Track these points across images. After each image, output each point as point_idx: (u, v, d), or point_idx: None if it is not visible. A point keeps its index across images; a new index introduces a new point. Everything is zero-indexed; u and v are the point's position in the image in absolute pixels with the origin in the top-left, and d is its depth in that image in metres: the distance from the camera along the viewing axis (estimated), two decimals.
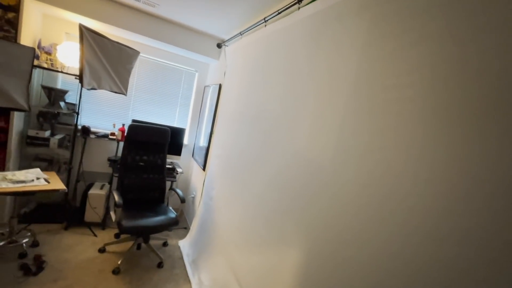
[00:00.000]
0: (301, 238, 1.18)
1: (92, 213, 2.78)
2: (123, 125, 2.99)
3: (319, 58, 1.29)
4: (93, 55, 2.32)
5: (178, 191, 2.64)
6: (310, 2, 1.38)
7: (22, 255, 2.10)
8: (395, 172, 0.83)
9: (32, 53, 2.08)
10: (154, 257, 2.46)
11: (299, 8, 1.47)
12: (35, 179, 2.10)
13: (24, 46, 2.10)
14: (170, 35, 2.83)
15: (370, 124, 0.94)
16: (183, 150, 3.41)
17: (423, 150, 0.76)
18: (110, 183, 2.91)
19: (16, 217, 2.21)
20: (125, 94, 2.76)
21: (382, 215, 0.84)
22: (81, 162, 2.80)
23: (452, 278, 0.64)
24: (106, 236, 2.70)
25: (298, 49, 1.48)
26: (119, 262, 2.22)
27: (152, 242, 2.61)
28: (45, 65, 2.52)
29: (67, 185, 2.46)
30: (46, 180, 2.13)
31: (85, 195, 2.83)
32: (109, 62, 2.46)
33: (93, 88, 2.41)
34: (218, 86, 2.87)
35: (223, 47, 2.84)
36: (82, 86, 2.26)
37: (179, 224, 2.88)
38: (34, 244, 2.27)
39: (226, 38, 2.83)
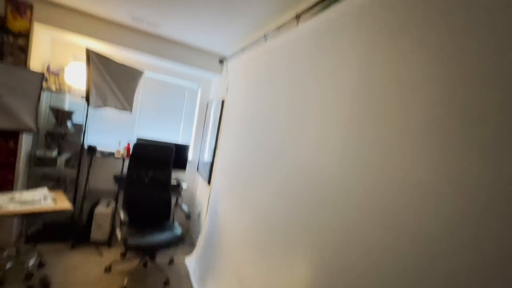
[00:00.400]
0: (309, 249, 1.17)
1: (98, 232, 2.78)
2: (129, 143, 3.03)
3: (320, 71, 1.31)
4: (99, 76, 2.39)
5: (184, 207, 2.64)
6: (308, 19, 1.42)
7: (29, 277, 2.08)
8: (398, 180, 0.82)
9: (41, 78, 2.16)
10: (161, 275, 2.43)
11: (297, 24, 1.51)
12: (42, 199, 2.12)
13: (33, 71, 2.18)
14: (173, 53, 2.91)
15: (372, 134, 0.95)
16: (188, 165, 3.42)
17: (426, 157, 0.76)
18: (116, 200, 2.92)
19: (23, 237, 2.21)
20: (130, 111, 2.82)
21: (387, 220, 0.84)
22: (87, 180, 2.83)
23: (458, 281, 0.62)
24: (112, 254, 2.68)
25: (299, 62, 1.51)
26: (125, 282, 2.19)
27: (159, 259, 2.58)
28: (53, 88, 2.60)
29: (73, 203, 2.48)
30: (53, 199, 2.14)
31: (91, 213, 2.83)
32: (114, 82, 2.53)
33: (99, 107, 2.47)
34: (221, 101, 2.91)
35: (225, 62, 2.90)
36: (88, 105, 2.32)
37: (186, 240, 2.86)
38: (41, 264, 2.26)
39: (228, 54, 2.91)
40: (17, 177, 2.40)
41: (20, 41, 2.25)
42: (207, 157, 3.21)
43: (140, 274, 2.43)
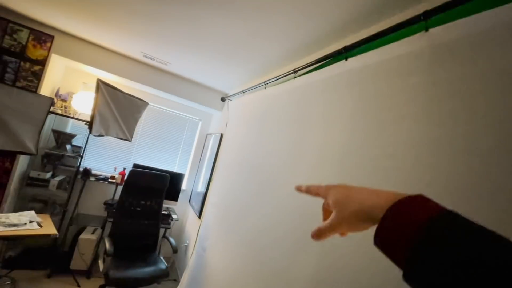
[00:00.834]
0: None
1: (79, 260, 2.67)
2: (124, 169, 3.05)
3: (314, 119, 1.41)
4: (105, 105, 2.51)
5: (171, 239, 2.58)
6: (304, 74, 1.57)
7: None
8: None
9: (49, 103, 2.26)
10: None
11: (295, 77, 1.66)
12: (28, 222, 2.09)
13: (43, 96, 2.29)
14: (178, 88, 3.08)
15: (362, 179, 1.01)
16: (181, 195, 3.41)
17: None
18: (103, 228, 2.85)
19: (0, 261, 2.12)
20: (129, 141, 2.89)
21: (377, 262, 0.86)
22: (77, 204, 2.79)
23: None
24: (90, 287, 2.55)
25: (295, 109, 1.63)
26: None
27: None
28: (59, 111, 2.70)
29: (59, 228, 2.42)
30: (38, 224, 2.11)
31: (75, 240, 2.75)
32: (119, 112, 2.64)
33: (100, 135, 2.54)
34: (219, 136, 3.01)
35: (227, 101, 3.06)
36: (90, 133, 2.39)
37: (170, 276, 2.74)
38: None
39: (230, 93, 3.08)
40: (6, 198, 2.37)
41: (36, 68, 2.39)
42: (200, 188, 3.21)
43: None
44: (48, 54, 2.43)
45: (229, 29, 1.66)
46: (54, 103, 2.65)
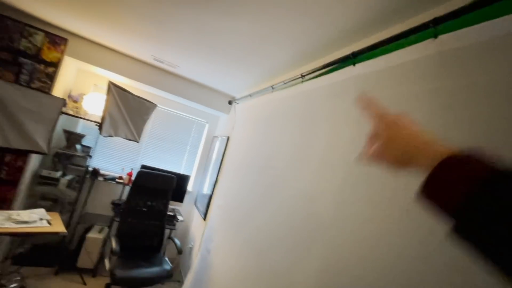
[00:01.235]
0: None
1: (86, 258, 2.71)
2: (132, 169, 3.10)
3: (321, 124, 1.42)
4: (115, 107, 2.56)
5: (176, 241, 2.60)
6: (312, 79, 1.58)
7: None
8: (394, 228, 0.86)
9: (62, 104, 2.31)
10: None
11: (302, 82, 1.67)
12: (38, 220, 2.14)
13: (56, 98, 2.35)
14: (186, 91, 3.13)
15: (365, 194, 1.01)
16: (186, 197, 3.44)
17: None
18: (110, 227, 2.89)
19: (9, 258, 2.18)
20: (137, 142, 2.93)
21: (381, 265, 0.85)
22: (85, 203, 2.84)
23: None
24: (95, 285, 2.58)
25: (301, 116, 1.63)
26: None
27: None
28: (71, 112, 2.77)
29: (67, 226, 2.47)
30: (48, 221, 2.15)
31: (82, 238, 2.79)
32: (128, 114, 2.69)
33: (109, 136, 2.59)
34: (226, 138, 3.04)
35: (234, 104, 3.09)
36: (100, 133, 2.44)
37: (173, 277, 2.75)
38: None
39: (237, 96, 3.11)
40: (18, 195, 2.44)
41: (50, 69, 2.46)
42: (206, 190, 3.23)
43: None
44: (62, 56, 2.50)
45: (238, 34, 1.68)
46: (66, 103, 2.72)
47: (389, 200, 0.91)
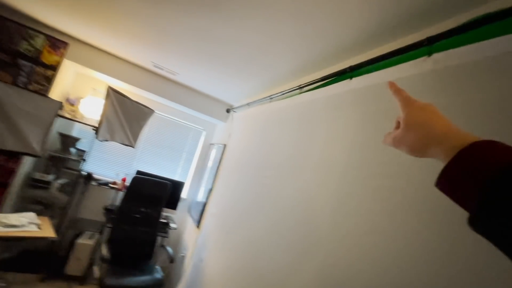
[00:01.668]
0: None
1: (75, 265, 2.64)
2: (126, 175, 3.06)
3: (318, 134, 1.43)
4: (113, 111, 2.56)
5: (169, 249, 2.56)
6: (309, 90, 1.60)
7: None
8: (391, 233, 0.86)
9: (58, 106, 2.31)
10: None
11: (300, 93, 1.69)
12: (27, 224, 2.09)
13: (53, 100, 2.34)
14: (185, 98, 3.14)
15: (362, 205, 1.01)
16: (180, 204, 3.40)
17: (419, 212, 0.81)
18: (101, 233, 2.83)
19: None
20: (133, 147, 2.92)
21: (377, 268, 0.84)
22: (76, 208, 2.79)
23: None
24: None
25: (297, 127, 1.65)
26: None
27: None
28: (67, 115, 2.75)
29: (57, 231, 2.41)
30: (37, 226, 2.11)
31: (72, 244, 2.73)
32: (125, 119, 2.69)
33: (105, 140, 2.58)
34: (223, 146, 3.04)
35: (232, 112, 3.11)
36: (96, 137, 2.43)
37: (165, 286, 2.69)
38: None
39: (235, 105, 3.13)
40: (8, 198, 2.39)
41: (48, 72, 2.46)
42: (200, 198, 3.20)
43: None
44: (62, 60, 2.50)
45: (239, 43, 1.71)
46: (63, 106, 2.70)
47: (387, 209, 0.92)
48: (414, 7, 1.01)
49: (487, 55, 0.76)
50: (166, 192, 2.78)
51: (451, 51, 0.85)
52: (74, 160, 2.88)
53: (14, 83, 2.31)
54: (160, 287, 2.29)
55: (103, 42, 2.49)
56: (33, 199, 2.74)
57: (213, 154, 3.35)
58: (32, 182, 2.60)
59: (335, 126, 1.33)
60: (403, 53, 1.00)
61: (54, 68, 2.47)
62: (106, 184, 3.02)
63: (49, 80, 2.46)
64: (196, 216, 3.05)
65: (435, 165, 0.74)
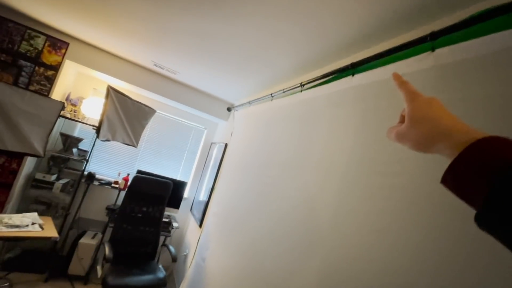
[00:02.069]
0: None
1: (78, 265, 2.65)
2: (128, 174, 3.07)
3: (320, 131, 1.42)
4: (113, 111, 2.55)
5: (171, 248, 2.56)
6: (311, 88, 1.60)
7: None
8: (393, 232, 0.85)
9: (60, 107, 2.31)
10: None
11: (301, 90, 1.68)
12: (30, 224, 2.09)
13: (54, 101, 2.34)
14: (186, 97, 3.14)
15: (364, 204, 1.01)
16: (182, 203, 3.40)
17: (418, 213, 0.80)
18: (103, 233, 2.84)
19: None
20: (135, 147, 2.92)
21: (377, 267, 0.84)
22: (79, 208, 2.80)
23: None
24: None
25: (299, 124, 1.64)
26: None
27: None
28: (69, 115, 2.76)
29: (59, 231, 2.42)
30: (40, 226, 2.11)
31: (74, 244, 2.74)
32: (126, 118, 2.69)
33: (107, 140, 2.58)
34: (224, 145, 3.03)
35: (233, 111, 3.10)
36: (98, 137, 2.43)
37: (167, 285, 2.69)
38: None
39: (236, 103, 3.12)
40: (11, 199, 2.40)
41: (49, 72, 2.46)
42: (202, 197, 3.21)
43: None
44: (62, 60, 2.51)
45: (239, 41, 1.70)
46: (64, 106, 2.71)
47: (388, 207, 0.91)
48: (416, 2, 1.00)
49: (491, 50, 0.75)
50: (167, 192, 2.78)
51: (454, 46, 0.84)
52: (76, 160, 2.88)
53: (15, 84, 2.31)
54: (163, 286, 2.29)
55: (104, 41, 2.49)
56: (36, 200, 2.75)
57: (215, 153, 3.34)
58: (34, 183, 2.61)
59: (336, 124, 1.32)
60: (405, 49, 1.00)
61: (54, 68, 2.47)
62: (108, 183, 3.02)
63: (50, 80, 2.46)
64: (198, 215, 3.06)
65: (437, 163, 0.74)
